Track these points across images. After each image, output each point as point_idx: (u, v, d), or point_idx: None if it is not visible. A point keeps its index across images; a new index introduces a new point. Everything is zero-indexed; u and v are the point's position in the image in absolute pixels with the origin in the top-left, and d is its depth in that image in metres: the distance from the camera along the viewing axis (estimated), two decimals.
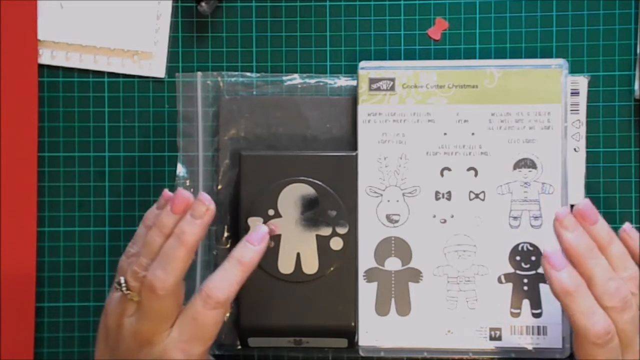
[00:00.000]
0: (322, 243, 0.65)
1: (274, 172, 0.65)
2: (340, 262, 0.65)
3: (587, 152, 0.67)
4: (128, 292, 0.58)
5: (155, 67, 0.69)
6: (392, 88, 0.66)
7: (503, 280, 0.66)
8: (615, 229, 0.66)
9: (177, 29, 0.70)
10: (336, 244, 0.65)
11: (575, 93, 0.67)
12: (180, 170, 0.68)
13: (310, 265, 0.65)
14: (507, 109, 0.66)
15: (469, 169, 0.66)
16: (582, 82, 0.67)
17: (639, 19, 0.68)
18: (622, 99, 0.68)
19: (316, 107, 0.68)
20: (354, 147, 0.67)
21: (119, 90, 0.70)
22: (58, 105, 0.70)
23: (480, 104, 0.66)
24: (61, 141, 0.70)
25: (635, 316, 0.57)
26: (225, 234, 0.68)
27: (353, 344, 0.66)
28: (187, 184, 0.68)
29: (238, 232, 0.65)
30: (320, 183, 0.65)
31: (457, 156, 0.66)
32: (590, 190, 0.67)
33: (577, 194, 0.66)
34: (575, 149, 0.67)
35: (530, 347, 0.65)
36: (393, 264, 0.66)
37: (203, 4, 0.67)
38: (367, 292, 0.66)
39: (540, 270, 0.65)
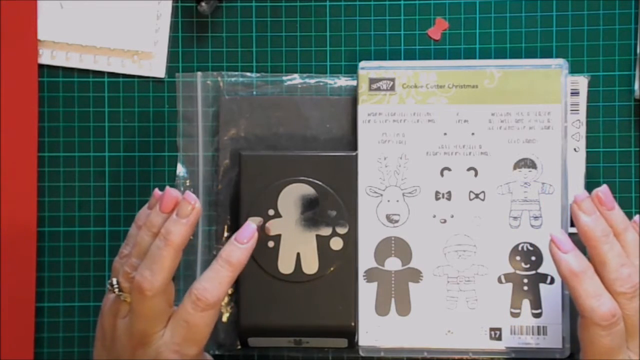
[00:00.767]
0: (322, 243, 0.65)
1: (274, 172, 0.65)
2: (340, 262, 0.65)
3: (587, 152, 0.67)
4: (120, 293, 0.58)
5: (155, 67, 0.69)
6: (392, 88, 0.66)
7: (503, 280, 0.66)
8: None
9: (177, 29, 0.70)
10: (336, 244, 0.65)
11: (575, 93, 0.67)
12: (180, 170, 0.68)
13: (310, 265, 0.65)
14: (507, 109, 0.66)
15: (469, 169, 0.66)
16: (582, 82, 0.67)
17: (639, 19, 0.68)
18: (622, 99, 0.68)
19: (316, 107, 0.68)
20: (354, 147, 0.67)
21: (119, 90, 0.70)
22: (58, 105, 0.70)
23: (480, 104, 0.66)
24: (61, 141, 0.70)
25: None
26: (225, 234, 0.68)
27: (353, 344, 0.66)
28: (187, 184, 0.68)
29: None
30: (320, 183, 0.65)
31: (457, 156, 0.66)
32: (590, 190, 0.67)
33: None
34: (575, 149, 0.67)
35: (530, 347, 0.65)
36: (393, 264, 0.66)
37: (203, 4, 0.67)
38: (367, 292, 0.66)
39: (540, 270, 0.65)
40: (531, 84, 0.66)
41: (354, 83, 0.68)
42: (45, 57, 0.69)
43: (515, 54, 0.68)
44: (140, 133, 0.69)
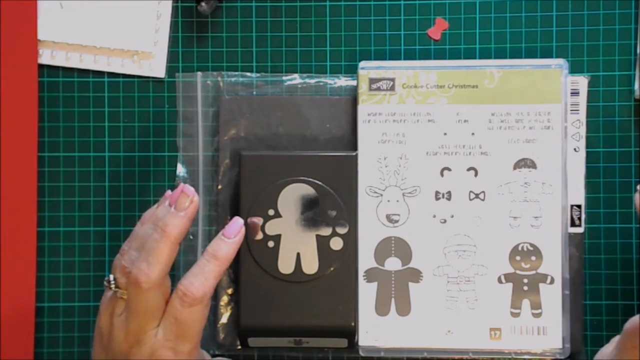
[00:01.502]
0: (322, 243, 0.65)
1: (274, 172, 0.65)
2: (340, 262, 0.65)
3: (587, 152, 0.67)
4: (117, 289, 0.58)
5: (155, 67, 0.69)
6: (392, 88, 0.66)
7: (503, 280, 0.66)
8: (616, 229, 0.66)
9: (177, 29, 0.70)
10: (336, 244, 0.65)
11: (575, 93, 0.67)
12: (180, 170, 0.68)
13: (310, 265, 0.65)
14: (507, 109, 0.66)
15: (469, 169, 0.66)
16: (582, 82, 0.67)
17: (639, 19, 0.68)
18: (622, 99, 0.68)
19: (316, 107, 0.68)
20: (354, 147, 0.67)
21: (119, 90, 0.70)
22: (58, 105, 0.70)
23: (480, 104, 0.66)
24: (61, 141, 0.70)
25: None
26: None
27: (353, 344, 0.66)
28: (187, 184, 0.68)
29: None
30: (320, 183, 0.65)
31: (457, 156, 0.66)
32: (590, 190, 0.67)
33: (577, 194, 0.66)
34: (575, 149, 0.67)
35: (530, 347, 0.65)
36: (393, 264, 0.66)
37: (203, 4, 0.67)
38: (367, 292, 0.66)
39: (540, 270, 0.65)
40: (531, 84, 0.66)
41: (354, 83, 0.68)
42: (45, 57, 0.69)
43: (515, 54, 0.68)
44: (140, 133, 0.69)
